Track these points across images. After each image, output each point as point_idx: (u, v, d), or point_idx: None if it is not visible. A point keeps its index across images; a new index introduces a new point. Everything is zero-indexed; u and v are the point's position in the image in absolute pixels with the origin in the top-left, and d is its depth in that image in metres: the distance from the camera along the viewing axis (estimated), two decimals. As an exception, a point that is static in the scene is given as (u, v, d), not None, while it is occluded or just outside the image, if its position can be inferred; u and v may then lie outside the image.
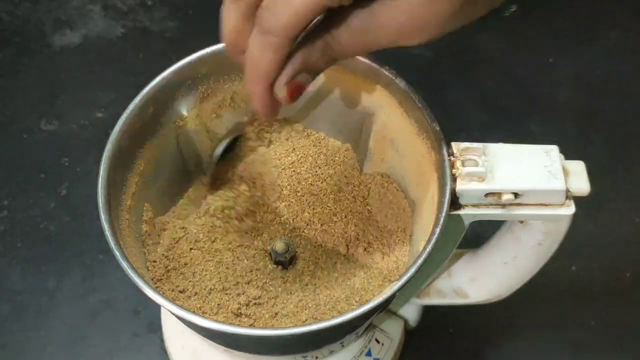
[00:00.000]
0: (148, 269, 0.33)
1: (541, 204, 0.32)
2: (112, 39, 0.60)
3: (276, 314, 0.33)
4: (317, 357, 0.38)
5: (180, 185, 0.38)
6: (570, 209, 0.32)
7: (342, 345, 0.37)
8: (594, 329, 0.46)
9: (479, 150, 0.32)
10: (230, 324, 0.31)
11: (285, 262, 0.35)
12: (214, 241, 0.35)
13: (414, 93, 0.33)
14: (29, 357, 0.44)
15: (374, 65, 0.34)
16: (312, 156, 0.38)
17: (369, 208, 0.37)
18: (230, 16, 0.24)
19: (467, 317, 0.45)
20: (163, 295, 0.28)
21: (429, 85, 0.33)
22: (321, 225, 0.36)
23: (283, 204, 0.37)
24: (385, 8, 0.21)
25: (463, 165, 0.32)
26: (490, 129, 0.54)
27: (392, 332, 0.40)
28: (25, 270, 0.48)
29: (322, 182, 0.37)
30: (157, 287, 0.33)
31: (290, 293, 0.34)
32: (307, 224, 0.36)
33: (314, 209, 0.37)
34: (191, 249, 0.35)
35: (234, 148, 0.37)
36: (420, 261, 0.29)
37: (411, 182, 0.37)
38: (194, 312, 0.28)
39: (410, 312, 0.42)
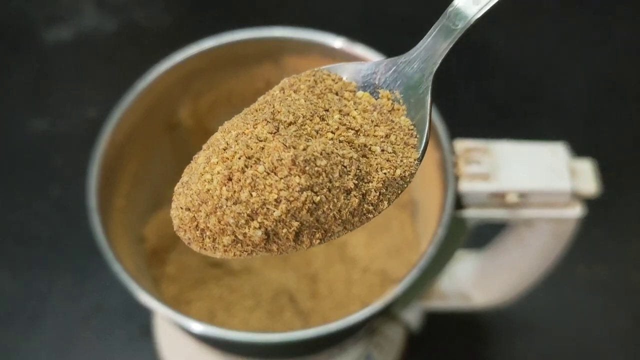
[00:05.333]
0: None
1: (547, 205, 0.31)
2: (106, 34, 0.59)
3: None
4: (315, 362, 0.37)
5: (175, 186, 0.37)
6: (577, 210, 0.31)
7: (342, 350, 0.37)
8: (601, 328, 0.45)
9: (483, 149, 0.31)
10: (227, 329, 0.30)
11: None
12: None
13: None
14: (20, 361, 0.44)
15: (374, 59, 0.33)
16: None
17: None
18: None
19: (470, 321, 0.44)
20: (157, 299, 0.28)
21: (433, 82, 0.32)
22: None
23: None
24: None
25: (466, 164, 0.31)
26: (495, 128, 0.54)
27: (393, 336, 0.40)
28: (15, 273, 0.47)
29: None
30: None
31: None
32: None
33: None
34: None
35: None
36: (422, 263, 0.29)
37: (414, 181, 0.36)
38: (188, 317, 0.28)
39: (413, 315, 0.41)
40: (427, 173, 0.33)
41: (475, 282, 0.38)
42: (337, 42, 0.33)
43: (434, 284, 0.38)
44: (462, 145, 0.32)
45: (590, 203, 0.32)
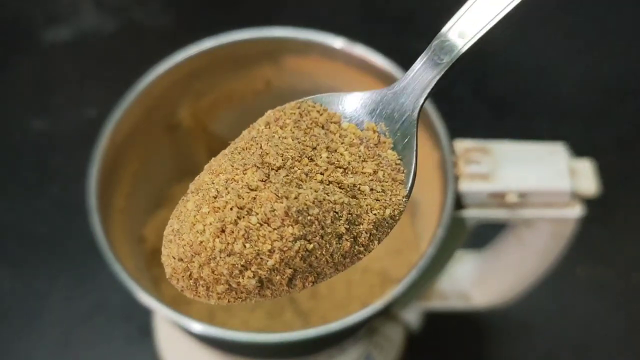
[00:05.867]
0: None
1: (547, 205, 0.31)
2: (106, 34, 0.59)
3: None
4: (315, 362, 0.37)
5: (174, 186, 0.37)
6: (576, 211, 0.31)
7: (342, 350, 0.37)
8: (601, 328, 0.45)
9: (482, 149, 0.31)
10: (227, 329, 0.30)
11: None
12: None
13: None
14: (20, 361, 0.44)
15: (373, 59, 0.33)
16: None
17: None
18: None
19: (470, 321, 0.44)
20: (157, 299, 0.27)
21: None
22: None
23: None
24: None
25: (466, 164, 0.31)
26: (495, 128, 0.54)
27: (393, 336, 0.40)
28: (15, 273, 0.47)
29: None
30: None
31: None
32: None
33: None
34: None
35: None
36: (422, 263, 0.28)
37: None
38: (188, 317, 0.27)
39: (412, 315, 0.41)
40: (427, 173, 0.33)
41: (475, 282, 0.38)
42: (337, 42, 0.33)
43: (434, 284, 0.38)
44: (462, 145, 0.31)
45: (590, 203, 0.32)
